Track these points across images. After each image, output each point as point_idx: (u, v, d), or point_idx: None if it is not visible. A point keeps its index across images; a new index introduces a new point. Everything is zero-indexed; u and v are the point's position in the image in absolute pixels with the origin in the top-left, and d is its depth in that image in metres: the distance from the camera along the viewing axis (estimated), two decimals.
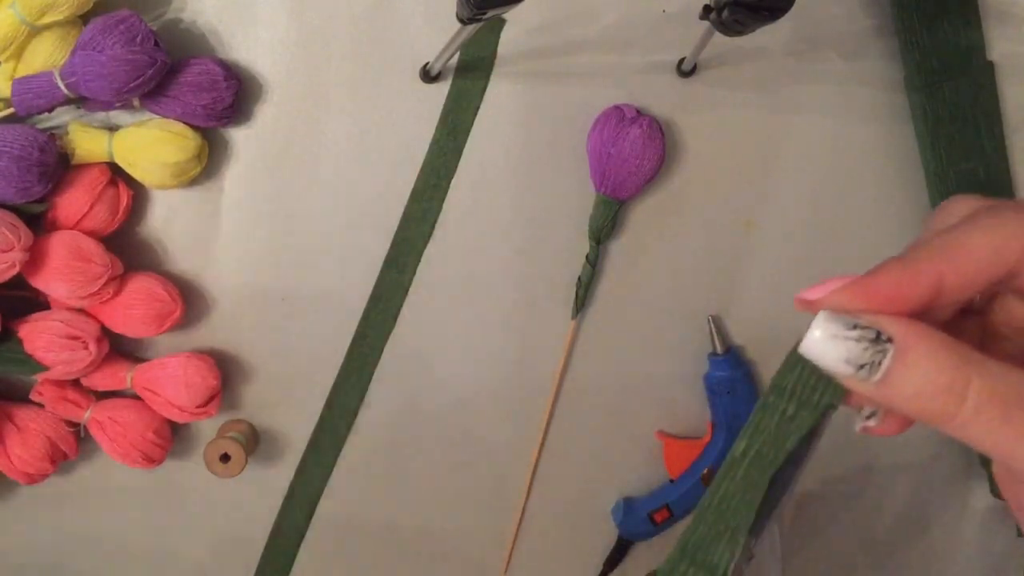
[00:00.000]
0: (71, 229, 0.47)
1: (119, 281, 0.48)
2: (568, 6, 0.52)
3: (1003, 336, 0.25)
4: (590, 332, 0.54)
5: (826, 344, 0.21)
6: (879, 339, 0.20)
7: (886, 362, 0.20)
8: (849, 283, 0.22)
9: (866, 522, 0.58)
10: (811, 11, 0.52)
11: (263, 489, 0.54)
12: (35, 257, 0.46)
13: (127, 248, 0.51)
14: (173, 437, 0.51)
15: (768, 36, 0.51)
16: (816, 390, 0.24)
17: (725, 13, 0.41)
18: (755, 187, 0.54)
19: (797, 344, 0.23)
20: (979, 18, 0.52)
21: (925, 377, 0.20)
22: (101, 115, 0.49)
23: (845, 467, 0.57)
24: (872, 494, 0.57)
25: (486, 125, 0.52)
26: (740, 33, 0.43)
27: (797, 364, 0.24)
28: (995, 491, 0.56)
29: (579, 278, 0.53)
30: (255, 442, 0.53)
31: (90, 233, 0.48)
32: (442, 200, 0.53)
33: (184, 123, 0.48)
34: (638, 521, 0.54)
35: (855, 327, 0.21)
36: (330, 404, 0.54)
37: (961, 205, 0.24)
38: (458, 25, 0.41)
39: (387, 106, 0.52)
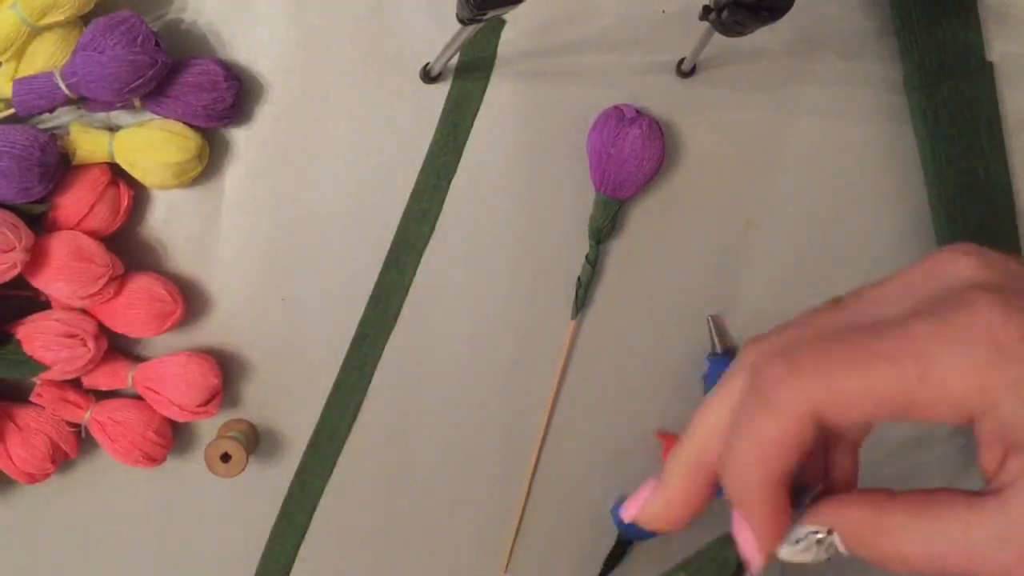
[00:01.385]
0: (72, 229, 0.47)
1: (120, 281, 0.48)
2: (568, 6, 0.52)
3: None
4: (590, 332, 0.54)
5: (791, 557, 0.25)
6: (825, 535, 0.24)
7: (839, 546, 0.24)
8: (634, 509, 0.28)
9: None
10: (811, 11, 0.52)
11: (263, 489, 0.54)
12: (36, 257, 0.46)
13: (128, 248, 0.51)
14: (174, 437, 0.51)
15: (768, 36, 0.51)
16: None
17: (725, 14, 0.41)
18: (755, 187, 0.54)
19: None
20: (978, 19, 0.53)
21: (866, 547, 0.24)
22: (102, 115, 0.49)
23: None
24: None
25: (486, 125, 0.52)
26: (740, 34, 0.43)
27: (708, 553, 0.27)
28: None
29: (579, 278, 0.53)
30: (255, 442, 0.53)
31: (91, 233, 0.48)
32: (442, 200, 0.53)
33: (185, 123, 0.48)
34: None
35: (798, 541, 0.25)
36: (330, 404, 0.54)
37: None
38: (458, 25, 0.41)
39: (387, 106, 0.52)
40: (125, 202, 0.49)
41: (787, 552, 0.25)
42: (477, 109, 0.52)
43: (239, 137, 0.51)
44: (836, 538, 0.24)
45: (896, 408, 0.22)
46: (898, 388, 0.22)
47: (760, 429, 0.24)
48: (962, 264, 0.24)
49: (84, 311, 0.49)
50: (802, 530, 0.25)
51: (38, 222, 0.48)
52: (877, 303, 0.24)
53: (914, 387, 0.22)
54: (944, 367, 0.22)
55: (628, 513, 0.28)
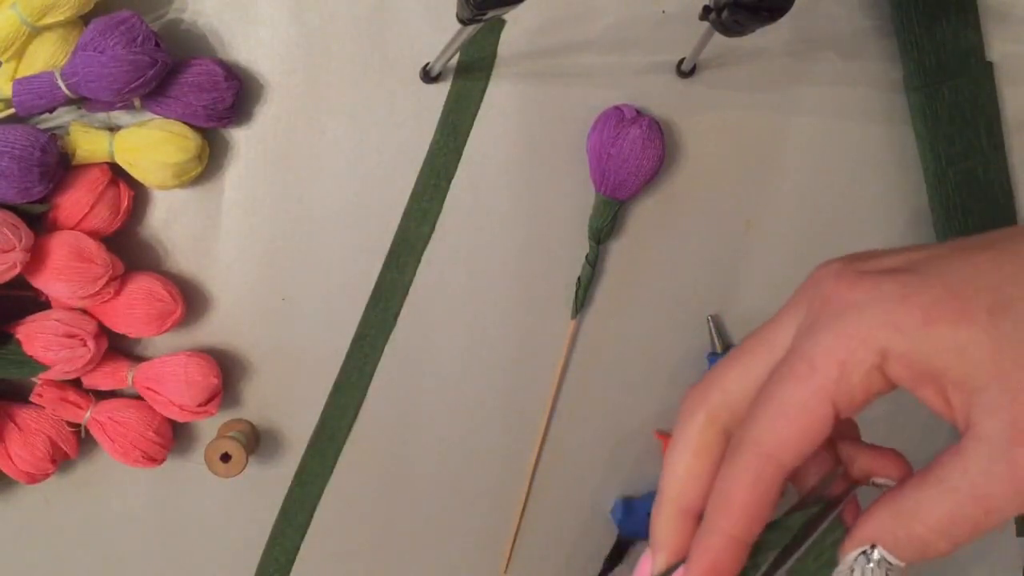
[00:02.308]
0: (72, 229, 0.48)
1: (120, 281, 0.48)
2: (568, 6, 0.52)
3: None
4: (590, 332, 0.54)
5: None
6: (869, 550, 0.25)
7: (889, 557, 0.25)
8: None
9: None
10: (811, 11, 0.52)
11: (263, 489, 0.54)
12: (36, 257, 0.46)
13: (128, 248, 0.51)
14: (174, 437, 0.51)
15: (768, 36, 0.51)
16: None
17: (725, 14, 0.41)
18: (755, 187, 0.54)
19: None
20: (978, 19, 0.53)
21: (903, 542, 0.24)
22: (102, 115, 0.49)
23: None
24: (867, 496, 0.57)
25: (486, 125, 0.52)
26: (740, 34, 0.43)
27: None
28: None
29: (579, 278, 0.53)
30: (255, 442, 0.53)
31: (91, 233, 0.48)
32: (442, 200, 0.53)
33: (185, 123, 0.48)
34: (638, 521, 0.54)
35: (852, 570, 0.25)
36: (330, 404, 0.54)
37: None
38: (458, 26, 0.41)
39: (387, 106, 0.52)
40: (125, 202, 0.49)
41: None
42: (477, 109, 0.52)
43: (239, 137, 0.51)
44: (881, 551, 0.25)
45: (825, 408, 0.24)
46: (810, 393, 0.24)
47: (736, 490, 0.26)
48: (832, 265, 0.27)
49: (84, 311, 0.49)
50: (849, 558, 0.26)
51: (38, 222, 0.48)
52: (779, 333, 0.27)
53: (819, 383, 0.24)
54: (823, 352, 0.24)
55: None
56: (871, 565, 0.25)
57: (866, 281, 0.25)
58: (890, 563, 0.25)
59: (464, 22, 0.40)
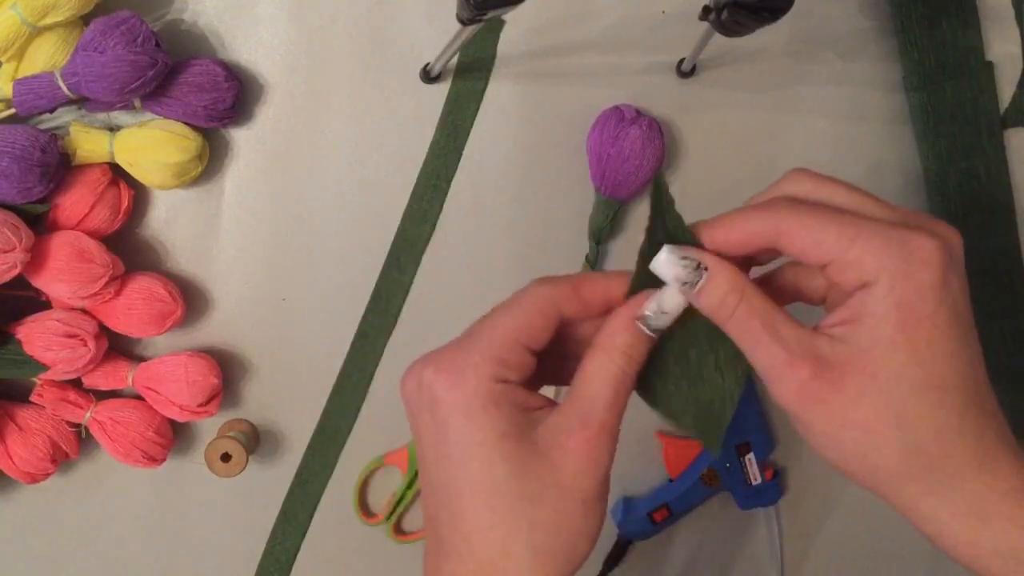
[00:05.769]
0: (72, 229, 0.48)
1: (120, 281, 0.48)
2: (568, 6, 0.52)
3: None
4: None
5: (666, 266, 0.32)
6: (699, 268, 0.31)
7: (701, 282, 0.31)
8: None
9: (863, 523, 0.58)
10: (811, 11, 0.53)
11: (263, 489, 0.54)
12: (36, 257, 0.46)
13: (128, 248, 0.51)
14: (174, 437, 0.51)
15: (768, 36, 0.51)
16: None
17: (725, 14, 0.41)
18: (755, 187, 0.54)
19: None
20: (978, 19, 0.53)
21: (719, 293, 0.31)
22: (102, 116, 0.49)
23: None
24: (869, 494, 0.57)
25: (486, 125, 0.52)
26: (739, 34, 0.43)
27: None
28: None
29: None
30: (256, 442, 0.53)
31: (91, 233, 0.48)
32: (442, 200, 0.53)
33: (185, 124, 0.48)
34: (637, 520, 0.54)
35: (684, 258, 0.32)
36: (330, 404, 0.54)
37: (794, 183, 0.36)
38: (458, 26, 0.42)
39: (387, 106, 0.52)
40: (125, 202, 0.49)
41: (672, 256, 0.32)
42: (477, 109, 0.52)
43: (239, 137, 0.51)
44: (704, 277, 0.31)
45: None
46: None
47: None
48: None
49: (84, 311, 0.49)
50: (696, 255, 0.32)
51: (38, 222, 0.48)
52: None
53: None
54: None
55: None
56: (693, 270, 0.31)
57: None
58: (694, 285, 0.31)
59: (464, 22, 0.40)
